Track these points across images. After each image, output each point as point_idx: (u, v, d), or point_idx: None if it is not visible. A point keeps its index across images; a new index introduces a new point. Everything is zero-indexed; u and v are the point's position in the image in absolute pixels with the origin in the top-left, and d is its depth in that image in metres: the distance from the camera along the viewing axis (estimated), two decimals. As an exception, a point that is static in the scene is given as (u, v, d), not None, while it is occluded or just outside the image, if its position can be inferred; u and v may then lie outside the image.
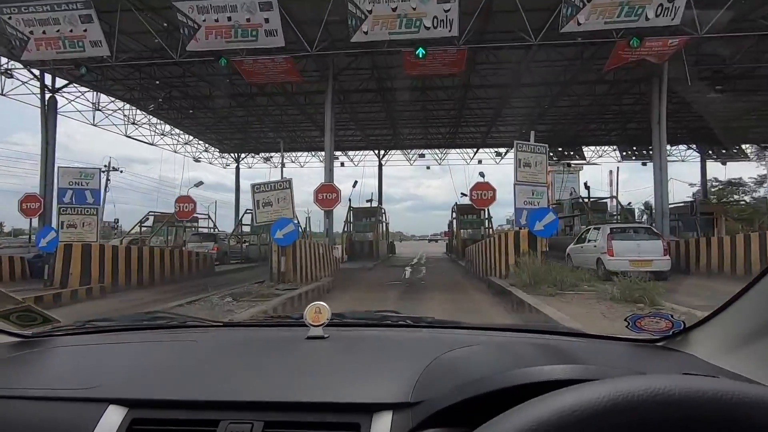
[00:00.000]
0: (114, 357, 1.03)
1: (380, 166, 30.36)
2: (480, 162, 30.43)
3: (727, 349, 0.82)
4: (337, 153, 32.70)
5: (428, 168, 32.06)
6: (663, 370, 0.86)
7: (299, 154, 32.77)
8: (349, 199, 21.23)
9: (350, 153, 32.70)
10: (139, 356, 1.02)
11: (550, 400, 0.46)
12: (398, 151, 32.25)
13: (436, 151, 31.90)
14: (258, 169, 33.62)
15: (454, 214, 23.02)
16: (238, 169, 31.56)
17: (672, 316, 0.97)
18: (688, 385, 0.43)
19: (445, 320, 1.33)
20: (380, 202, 28.98)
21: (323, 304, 1.06)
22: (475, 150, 31.11)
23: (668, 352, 0.94)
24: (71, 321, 1.32)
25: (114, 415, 0.74)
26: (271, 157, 31.79)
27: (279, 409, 0.74)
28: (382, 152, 31.00)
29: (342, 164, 31.58)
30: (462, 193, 23.64)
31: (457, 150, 31.73)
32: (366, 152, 32.06)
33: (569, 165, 30.79)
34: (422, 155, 30.03)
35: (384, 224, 25.51)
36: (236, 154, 31.50)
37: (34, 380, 0.90)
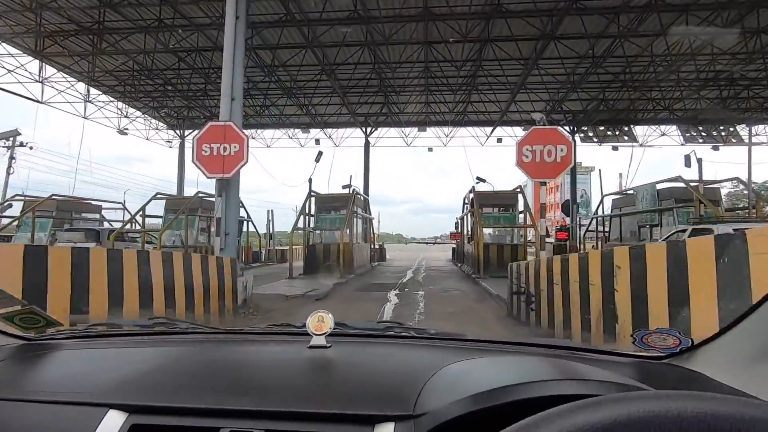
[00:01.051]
0: (115, 362, 1.00)
1: (367, 144, 22.99)
2: (500, 140, 23.05)
3: (735, 367, 0.81)
4: (314, 131, 25.51)
5: (430, 150, 24.76)
6: (670, 387, 0.83)
7: (264, 131, 25.43)
8: (309, 180, 13.85)
9: (329, 131, 25.42)
10: (140, 362, 0.98)
11: (589, 409, 0.44)
12: (392, 129, 24.97)
13: (443, 129, 24.58)
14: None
15: (468, 207, 15.50)
16: (182, 146, 24.16)
17: (680, 333, 0.95)
18: (703, 407, 0.42)
19: (449, 332, 1.28)
20: (366, 190, 21.62)
21: (326, 312, 1.02)
22: (491, 128, 23.78)
23: (675, 370, 0.93)
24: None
25: (113, 420, 0.74)
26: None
27: (280, 419, 0.73)
28: (370, 129, 23.62)
29: (316, 141, 24.18)
30: (478, 178, 16.32)
31: (468, 128, 24.43)
32: (351, 129, 24.77)
33: (615, 149, 23.40)
34: (423, 129, 22.58)
35: (366, 220, 18.09)
36: (181, 131, 24.10)
37: (36, 383, 0.90)
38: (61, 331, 1.21)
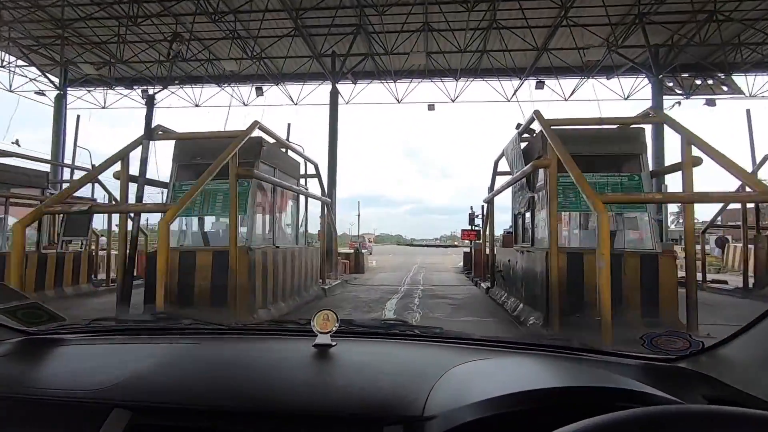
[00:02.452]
0: (119, 358, 1.00)
1: (334, 94, 14.99)
2: (540, 85, 15.07)
3: (746, 371, 0.79)
4: (266, 88, 17.62)
5: (431, 108, 16.79)
6: (682, 391, 0.81)
7: (193, 88, 17.41)
8: (148, 101, 5.85)
9: (288, 85, 17.52)
10: (143, 359, 0.97)
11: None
12: (375, 82, 17.09)
13: (448, 83, 16.74)
14: (119, 110, 17.61)
15: (517, 175, 7.35)
16: (61, 99, 16.12)
17: (690, 336, 0.93)
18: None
19: (455, 331, 1.27)
20: (332, 161, 13.72)
21: (331, 310, 1.01)
22: (522, 75, 15.88)
23: (685, 373, 0.91)
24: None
25: (118, 419, 0.74)
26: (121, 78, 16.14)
27: (287, 419, 0.72)
28: (341, 72, 15.67)
29: (258, 90, 16.19)
30: (519, 125, 8.36)
31: (488, 80, 16.57)
32: (318, 83, 16.84)
33: (711, 103, 15.47)
34: (421, 73, 14.60)
35: (325, 207, 10.12)
36: (60, 78, 16.04)
37: (39, 379, 0.90)
38: (64, 326, 1.19)
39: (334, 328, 0.98)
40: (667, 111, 14.08)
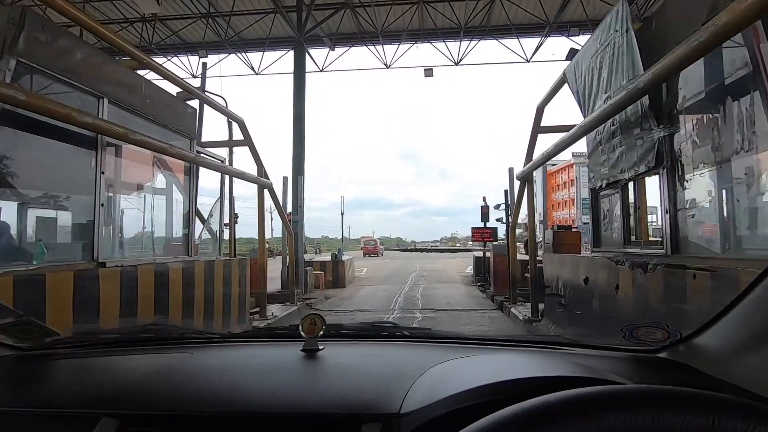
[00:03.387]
0: (109, 370, 1.02)
1: (300, 47, 11.28)
2: (575, 30, 11.41)
3: (724, 359, 0.79)
4: (222, 56, 13.88)
5: (429, 74, 13.18)
6: (656, 380, 0.85)
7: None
8: None
9: (250, 54, 13.92)
10: (135, 369, 0.98)
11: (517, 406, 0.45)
12: (358, 44, 13.48)
13: (450, 42, 13.14)
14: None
15: (551, 128, 3.70)
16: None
17: (668, 327, 0.93)
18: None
19: (441, 331, 1.31)
20: (300, 131, 10.12)
21: (318, 315, 1.02)
22: (545, 30, 12.29)
23: (664, 363, 0.92)
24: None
25: (106, 428, 0.74)
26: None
27: (269, 422, 0.73)
28: (318, 38, 12.02)
29: (202, 53, 12.45)
30: (574, 51, 4.63)
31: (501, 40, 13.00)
32: (286, 49, 13.21)
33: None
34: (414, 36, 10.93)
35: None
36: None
37: (31, 393, 0.90)
38: (58, 340, 1.19)
39: (321, 332, 0.98)
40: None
